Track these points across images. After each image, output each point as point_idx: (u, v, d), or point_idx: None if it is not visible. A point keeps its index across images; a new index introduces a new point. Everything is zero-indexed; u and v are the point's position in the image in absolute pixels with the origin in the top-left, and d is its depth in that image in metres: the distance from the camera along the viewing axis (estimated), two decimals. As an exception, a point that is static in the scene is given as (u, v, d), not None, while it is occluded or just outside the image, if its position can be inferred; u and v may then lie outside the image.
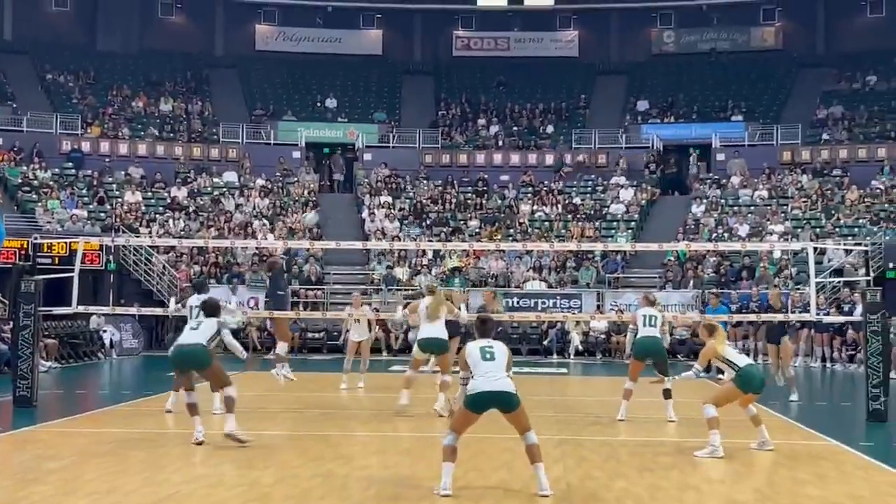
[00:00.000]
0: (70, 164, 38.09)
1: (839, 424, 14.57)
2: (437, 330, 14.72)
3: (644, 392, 18.65)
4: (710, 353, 12.04)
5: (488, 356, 9.45)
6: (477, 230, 35.00)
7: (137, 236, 31.38)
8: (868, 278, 26.99)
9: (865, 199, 34.68)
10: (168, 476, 9.92)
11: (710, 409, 11.64)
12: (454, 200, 37.72)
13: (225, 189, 37.82)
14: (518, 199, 37.78)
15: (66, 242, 27.90)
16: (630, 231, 34.65)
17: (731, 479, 10.14)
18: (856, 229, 32.50)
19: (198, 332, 12.17)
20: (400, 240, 32.75)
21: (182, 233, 33.36)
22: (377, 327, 28.53)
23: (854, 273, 27.83)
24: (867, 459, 11.39)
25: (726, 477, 10.27)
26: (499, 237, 33.47)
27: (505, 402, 9.29)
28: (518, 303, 30.37)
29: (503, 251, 32.08)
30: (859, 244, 28.37)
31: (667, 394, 14.64)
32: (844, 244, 28.62)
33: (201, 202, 36.53)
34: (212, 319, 12.37)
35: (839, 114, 41.21)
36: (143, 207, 35.55)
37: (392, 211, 36.45)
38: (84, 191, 36.37)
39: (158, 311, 24.43)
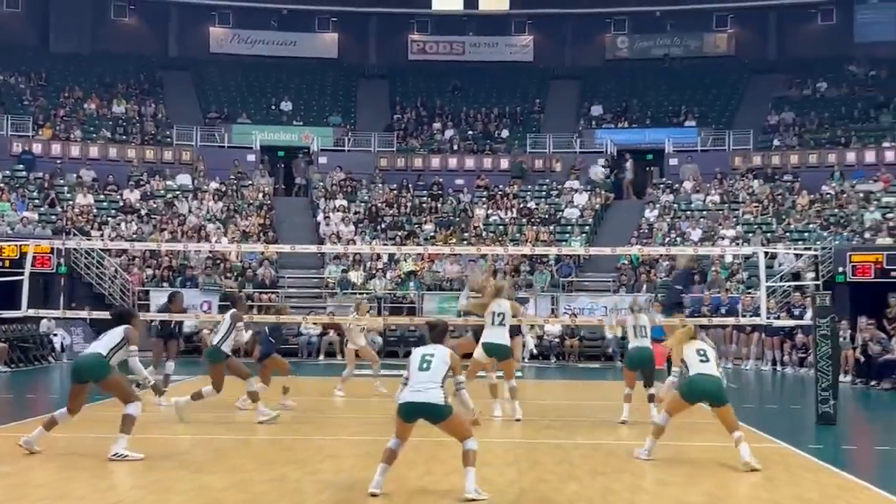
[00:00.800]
0: (21, 166, 37.65)
1: (789, 427, 14.72)
2: (502, 335, 14.70)
3: (597, 395, 18.77)
4: (673, 353, 11.96)
5: (424, 366, 9.45)
6: (432, 234, 35.01)
7: (89, 239, 31.06)
8: (818, 283, 27.38)
9: (816, 205, 35.10)
10: (117, 481, 9.83)
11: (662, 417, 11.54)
12: (409, 204, 37.72)
13: (178, 192, 37.54)
14: (473, 203, 37.85)
15: (16, 245, 27.53)
16: (584, 235, 34.81)
17: (682, 482, 10.21)
18: (806, 234, 32.88)
19: (100, 343, 11.59)
20: (355, 243, 32.71)
21: (134, 236, 33.07)
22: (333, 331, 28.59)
23: (804, 277, 28.15)
24: (816, 462, 11.51)
25: (678, 479, 10.34)
26: (454, 241, 33.49)
27: (432, 414, 9.32)
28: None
29: (458, 255, 32.10)
30: (809, 249, 28.73)
31: (651, 398, 14.70)
32: (795, 249, 28.98)
33: (154, 205, 36.24)
34: (118, 329, 11.62)
35: (790, 120, 41.71)
36: (95, 210, 35.22)
37: (347, 214, 36.37)
38: (35, 193, 35.96)
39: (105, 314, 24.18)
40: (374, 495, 9.05)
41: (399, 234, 34.84)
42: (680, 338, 11.73)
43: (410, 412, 9.38)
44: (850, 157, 38.06)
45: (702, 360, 11.26)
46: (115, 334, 11.50)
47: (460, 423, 9.48)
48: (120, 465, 10.62)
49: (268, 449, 12.00)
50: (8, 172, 37.01)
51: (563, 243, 33.70)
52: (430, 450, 11.43)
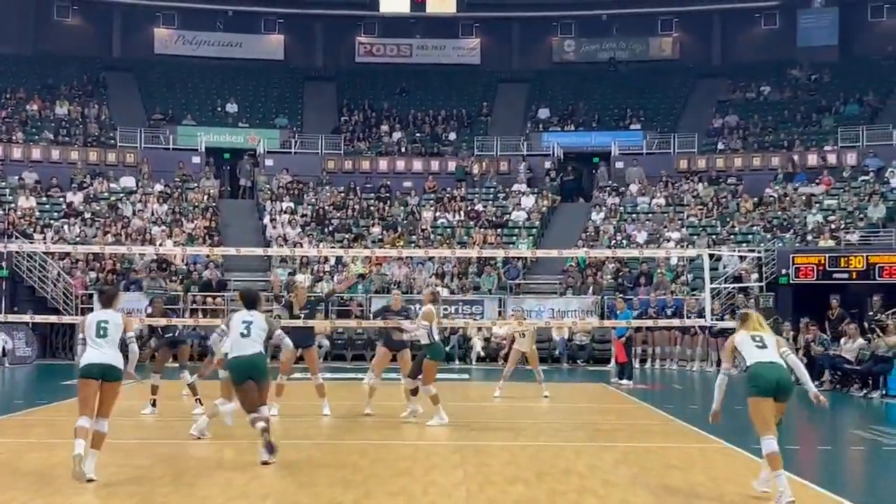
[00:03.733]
0: (-39, 167, 37.13)
1: (733, 427, 14.85)
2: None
3: (538, 397, 18.84)
4: (728, 346, 10.34)
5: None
6: (379, 237, 34.95)
7: (31, 242, 30.64)
8: (761, 284, 27.72)
9: (759, 207, 35.50)
10: (60, 487, 9.69)
11: (768, 443, 9.59)
12: (357, 207, 37.62)
13: (122, 194, 37.15)
14: (421, 206, 37.84)
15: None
16: (531, 238, 34.94)
17: (627, 482, 10.27)
18: (750, 236, 33.25)
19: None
20: (302, 246, 32.57)
21: (78, 239, 32.68)
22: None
23: (748, 279, 28.48)
24: (759, 461, 11.62)
25: (623, 480, 10.40)
26: (401, 244, 33.48)
27: (109, 375, 10.25)
28: (420, 309, 30.34)
29: (409, 258, 32.07)
30: (753, 251, 29.08)
31: None
32: (739, 251, 29.31)
33: (98, 208, 35.83)
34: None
35: (734, 123, 42.18)
36: (38, 213, 34.77)
37: (294, 217, 36.19)
38: (-25, 195, 35.46)
39: (52, 318, 23.95)
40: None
41: (346, 236, 34.75)
42: (737, 325, 10.33)
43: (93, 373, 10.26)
44: (794, 159, 38.52)
45: (759, 347, 9.77)
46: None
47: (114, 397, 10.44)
48: (62, 472, 10.43)
49: (213, 453, 11.90)
50: (-52, 174, 36.45)
51: (511, 245, 33.80)
52: (374, 453, 11.39)
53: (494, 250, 30.76)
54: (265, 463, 10.91)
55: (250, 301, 11.76)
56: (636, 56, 48.55)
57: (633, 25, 48.62)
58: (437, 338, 14.83)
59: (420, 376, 14.69)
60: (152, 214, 35.74)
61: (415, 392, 14.93)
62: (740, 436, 13.64)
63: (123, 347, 10.52)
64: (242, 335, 11.36)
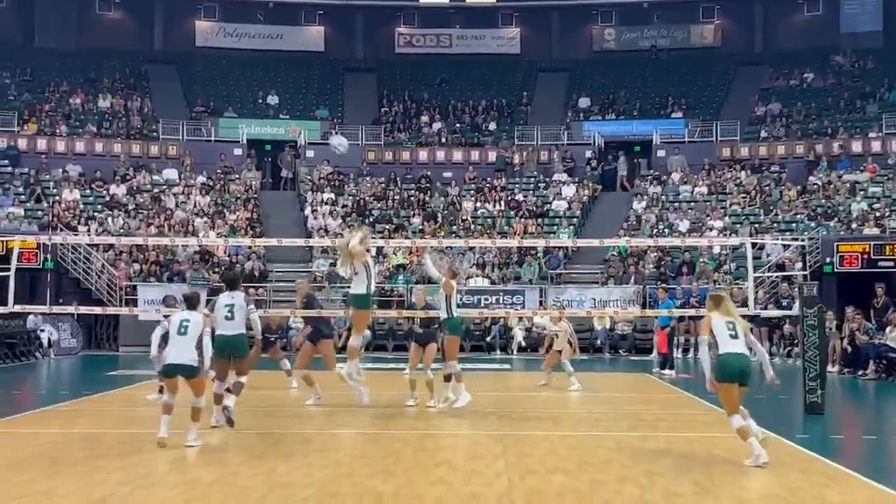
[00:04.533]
0: (6, 161, 37.51)
1: (777, 417, 14.74)
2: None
3: (585, 387, 18.78)
4: (706, 323, 11.08)
5: (182, 331, 11.71)
6: (420, 227, 34.97)
7: (76, 234, 30.95)
8: (805, 273, 27.45)
9: (803, 195, 35.16)
10: (106, 476, 9.79)
11: (735, 420, 10.76)
12: (397, 198, 37.67)
13: (165, 186, 37.43)
14: (461, 196, 37.81)
15: (2, 241, 27.45)
16: (572, 227, 34.81)
17: (670, 472, 10.22)
18: (793, 225, 32.93)
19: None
20: (342, 237, 32.59)
21: (121, 231, 32.97)
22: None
23: (791, 268, 28.22)
24: (804, 452, 11.54)
25: (666, 470, 10.34)
26: (442, 234, 33.47)
27: (186, 372, 11.57)
28: (461, 299, 30.35)
29: (449, 247, 32.04)
30: (797, 239, 28.79)
31: None
32: (782, 239, 29.03)
33: (141, 200, 36.12)
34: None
35: (777, 111, 41.76)
36: (82, 205, 35.12)
37: (335, 208, 36.29)
38: (21, 189, 35.83)
39: (97, 310, 24.14)
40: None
41: (387, 227, 34.80)
42: (709, 305, 11.26)
43: (173, 371, 11.68)
44: (837, 147, 38.11)
45: (731, 336, 10.79)
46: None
47: (202, 383, 11.77)
48: (107, 461, 10.58)
49: (257, 443, 11.97)
50: (-7, 168, 36.89)
51: (552, 235, 33.69)
52: (417, 442, 11.40)
53: (535, 240, 30.68)
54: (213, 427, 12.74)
55: (231, 283, 13.42)
56: (677, 44, 48.17)
57: (675, 13, 48.24)
58: (455, 313, 14.97)
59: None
60: (195, 206, 35.97)
61: (448, 378, 15.00)
62: (784, 425, 13.55)
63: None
64: (226, 318, 12.78)
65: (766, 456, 10.42)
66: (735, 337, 10.78)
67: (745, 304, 17.48)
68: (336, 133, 14.54)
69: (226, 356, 12.85)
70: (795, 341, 25.19)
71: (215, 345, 12.46)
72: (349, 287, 16.36)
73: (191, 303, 12.31)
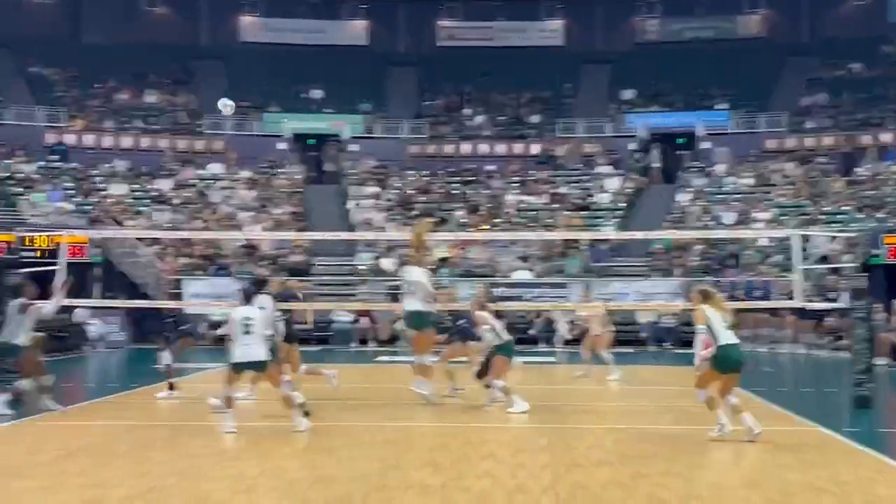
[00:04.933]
0: (55, 156, 37.98)
1: (825, 411, 14.62)
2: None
3: (629, 380, 18.73)
4: (701, 316, 11.77)
5: (247, 330, 11.80)
6: (464, 220, 34.97)
7: (123, 229, 31.25)
8: (854, 265, 27.12)
9: (850, 187, 34.78)
10: (152, 468, 9.89)
11: (701, 394, 11.83)
12: (441, 191, 37.69)
13: (211, 181, 37.72)
14: (504, 189, 37.76)
15: (50, 236, 27.71)
16: (616, 220, 34.67)
17: (716, 466, 10.17)
18: (840, 216, 32.59)
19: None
20: (386, 230, 32.74)
21: (168, 225, 33.25)
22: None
23: (839, 260, 27.92)
24: (852, 445, 11.42)
25: (711, 463, 10.30)
26: (487, 227, 33.45)
27: (257, 368, 12.02)
28: (505, 292, 30.34)
29: (495, 240, 32.02)
30: (844, 231, 28.47)
31: None
32: (830, 231, 28.72)
33: (187, 194, 36.42)
34: None
35: (824, 101, 41.32)
36: (129, 200, 35.47)
37: (379, 202, 36.39)
38: (69, 184, 36.25)
39: (144, 303, 24.34)
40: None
41: (431, 221, 34.78)
42: (698, 298, 12.01)
43: (243, 367, 12.05)
44: (885, 138, 37.63)
45: (726, 327, 11.63)
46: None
47: (277, 374, 12.27)
48: (155, 453, 10.70)
49: (301, 436, 12.04)
50: (42, 163, 37.32)
51: (596, 228, 33.56)
52: (462, 436, 11.41)
53: (579, 233, 30.58)
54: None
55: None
56: (722, 34, 47.80)
57: (719, 3, 47.89)
58: (505, 336, 14.42)
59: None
60: (240, 200, 36.21)
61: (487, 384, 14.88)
62: (832, 419, 13.43)
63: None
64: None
65: (729, 428, 11.38)
66: (728, 328, 11.60)
67: (790, 296, 17.31)
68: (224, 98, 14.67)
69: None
70: (840, 333, 24.93)
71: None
72: (392, 280, 16.43)
73: (249, 296, 12.45)
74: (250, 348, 11.81)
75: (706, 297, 11.79)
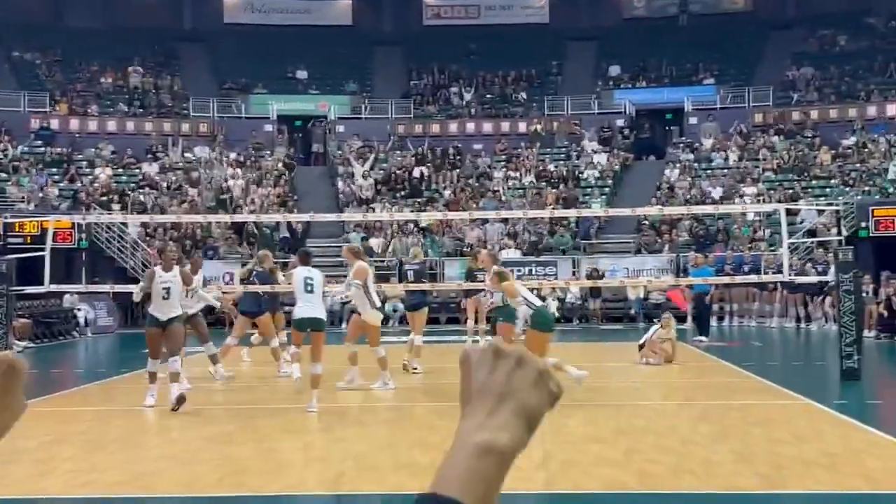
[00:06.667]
0: (39, 141, 37.79)
1: (813, 383, 14.67)
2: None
3: (620, 357, 18.77)
4: (512, 287, 13.02)
5: (309, 288, 12.15)
6: (451, 199, 34.91)
7: (109, 213, 31.14)
8: (840, 238, 27.19)
9: (837, 160, 34.82)
10: (143, 452, 9.89)
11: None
12: (428, 170, 37.61)
13: (197, 164, 37.57)
14: (492, 167, 37.72)
15: (37, 221, 27.63)
16: (604, 196, 34.67)
17: (707, 441, 10.19)
18: (828, 189, 32.64)
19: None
20: (374, 211, 32.68)
21: (155, 208, 33.15)
22: None
23: (826, 233, 27.97)
24: (841, 418, 11.47)
25: (702, 438, 10.32)
26: (474, 206, 33.41)
27: (317, 325, 12.21)
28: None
29: (484, 220, 31.99)
30: (831, 204, 28.51)
31: None
32: (817, 205, 28.77)
33: (173, 177, 36.29)
34: None
35: (810, 75, 41.31)
36: (115, 184, 35.32)
37: (366, 182, 36.30)
38: (54, 168, 36.09)
39: (133, 287, 24.24)
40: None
41: (418, 200, 34.79)
42: (496, 279, 13.12)
43: (305, 324, 12.28)
44: (871, 110, 37.67)
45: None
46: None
47: (320, 344, 12.32)
48: (146, 437, 10.69)
49: (295, 417, 12.04)
50: (26, 148, 37.13)
51: (584, 205, 33.54)
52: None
53: (567, 210, 30.56)
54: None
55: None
56: (708, 9, 47.69)
57: (704, -22, 47.75)
58: (537, 303, 13.45)
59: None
60: (227, 182, 36.10)
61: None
62: (821, 391, 13.49)
63: None
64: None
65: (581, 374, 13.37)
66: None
67: (779, 270, 17.36)
68: None
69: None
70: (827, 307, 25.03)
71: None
72: (380, 261, 16.42)
73: (306, 259, 12.89)
74: (313, 307, 12.07)
75: (504, 277, 13.10)
